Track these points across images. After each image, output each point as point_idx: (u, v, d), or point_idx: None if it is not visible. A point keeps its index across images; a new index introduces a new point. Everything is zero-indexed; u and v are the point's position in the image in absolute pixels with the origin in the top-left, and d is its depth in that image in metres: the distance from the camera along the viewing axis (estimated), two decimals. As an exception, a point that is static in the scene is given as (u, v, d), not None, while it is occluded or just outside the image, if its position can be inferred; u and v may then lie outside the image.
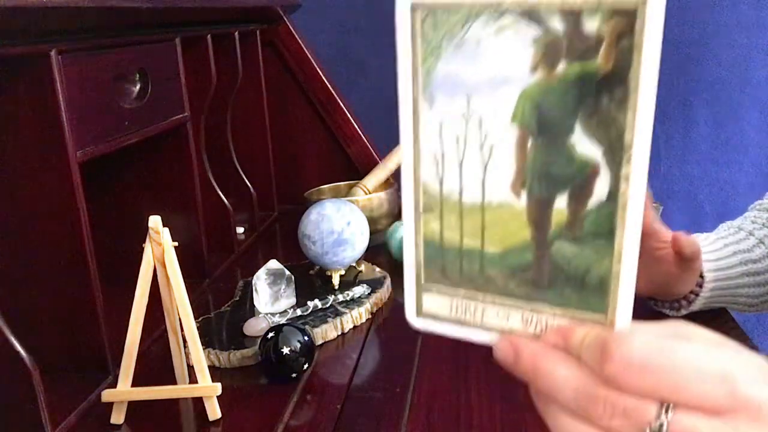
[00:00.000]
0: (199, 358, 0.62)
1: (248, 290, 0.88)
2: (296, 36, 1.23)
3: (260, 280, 0.82)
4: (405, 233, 0.37)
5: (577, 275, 0.33)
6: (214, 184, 1.02)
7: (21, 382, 0.57)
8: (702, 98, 1.59)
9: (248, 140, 1.21)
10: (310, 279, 0.93)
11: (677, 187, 1.65)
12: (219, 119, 1.09)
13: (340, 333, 0.80)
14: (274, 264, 0.84)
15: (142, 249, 0.61)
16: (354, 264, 0.93)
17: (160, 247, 0.61)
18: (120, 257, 0.84)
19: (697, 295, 0.73)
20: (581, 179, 0.31)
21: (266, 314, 0.80)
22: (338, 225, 0.87)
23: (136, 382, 0.63)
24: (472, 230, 0.35)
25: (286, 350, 0.68)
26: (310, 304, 0.82)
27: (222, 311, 0.84)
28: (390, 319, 0.84)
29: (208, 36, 0.97)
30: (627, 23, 0.28)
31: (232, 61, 1.07)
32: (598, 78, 0.30)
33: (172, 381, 0.67)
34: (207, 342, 0.75)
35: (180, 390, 0.66)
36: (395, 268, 0.94)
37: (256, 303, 0.83)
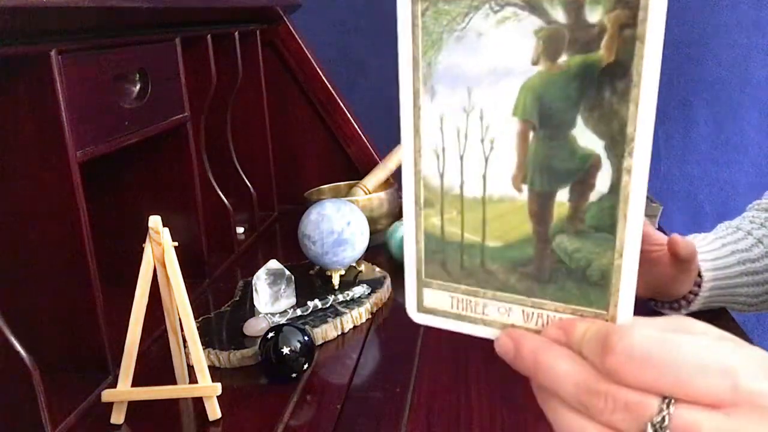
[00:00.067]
0: (199, 358, 0.62)
1: (248, 290, 0.88)
2: (296, 36, 1.23)
3: (260, 280, 0.82)
4: (405, 228, 0.37)
5: (578, 269, 0.33)
6: (214, 184, 1.02)
7: (21, 382, 0.57)
8: (702, 98, 1.59)
9: (248, 140, 1.21)
10: (310, 279, 0.93)
11: (677, 187, 1.65)
12: (219, 119, 1.09)
13: (340, 333, 0.80)
14: (274, 264, 0.84)
15: (142, 249, 0.61)
16: (354, 264, 0.93)
17: (160, 247, 0.61)
18: (120, 257, 0.84)
19: (696, 294, 0.74)
20: (583, 172, 0.31)
21: (266, 314, 0.80)
22: (338, 225, 0.87)
23: (136, 382, 0.63)
24: (473, 224, 0.35)
25: (286, 350, 0.68)
26: (310, 304, 0.82)
27: (222, 311, 0.84)
28: (390, 319, 0.84)
29: (208, 36, 0.97)
30: (629, 14, 0.28)
31: (232, 61, 1.07)
32: (600, 70, 0.29)
33: (172, 381, 0.67)
34: (207, 342, 0.75)
35: (180, 390, 0.66)
36: (395, 268, 0.94)
37: (256, 303, 0.83)
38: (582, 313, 0.33)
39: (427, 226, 0.36)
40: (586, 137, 0.31)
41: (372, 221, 1.00)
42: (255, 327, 0.77)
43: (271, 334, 0.69)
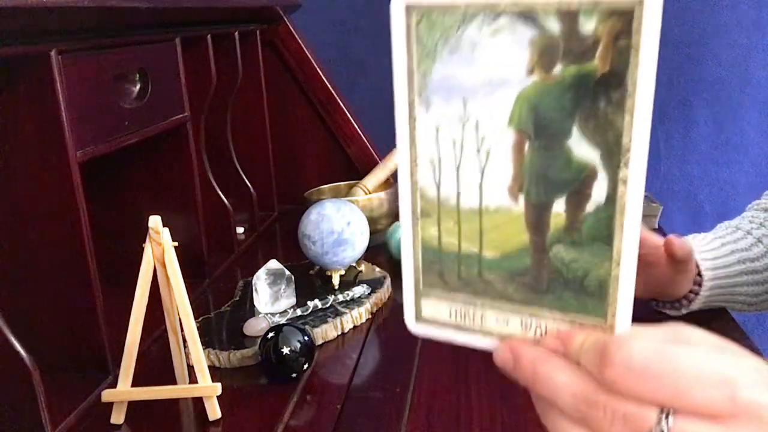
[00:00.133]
0: (199, 358, 0.62)
1: (248, 290, 0.88)
2: (296, 36, 1.23)
3: (260, 280, 0.82)
4: (403, 238, 0.37)
5: (575, 279, 0.33)
6: (214, 184, 1.02)
7: (21, 382, 0.57)
8: (702, 98, 1.59)
9: (248, 140, 1.21)
10: (310, 279, 0.93)
11: (677, 187, 1.65)
12: (219, 119, 1.09)
13: (340, 333, 0.80)
14: (274, 264, 0.84)
15: (142, 249, 0.61)
16: (354, 264, 0.93)
17: (160, 247, 0.61)
18: (120, 257, 0.84)
19: (696, 294, 0.74)
20: (579, 183, 0.31)
21: (266, 314, 0.80)
22: (338, 225, 0.87)
23: (136, 382, 0.63)
24: (470, 235, 0.35)
25: (286, 350, 0.68)
26: (310, 304, 0.82)
27: (222, 311, 0.84)
28: (390, 319, 0.84)
29: (208, 36, 0.97)
30: (624, 24, 0.28)
31: (232, 61, 1.07)
32: (595, 80, 0.29)
33: (172, 381, 0.67)
34: (207, 342, 0.75)
35: (180, 390, 0.66)
36: (395, 268, 0.94)
37: (256, 303, 0.83)
38: (580, 323, 0.33)
39: (424, 236, 0.36)
40: (581, 147, 0.31)
41: (372, 221, 1.00)
42: (255, 327, 0.77)
43: (271, 334, 0.69)
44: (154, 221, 0.60)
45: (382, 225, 1.07)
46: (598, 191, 0.31)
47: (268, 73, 1.21)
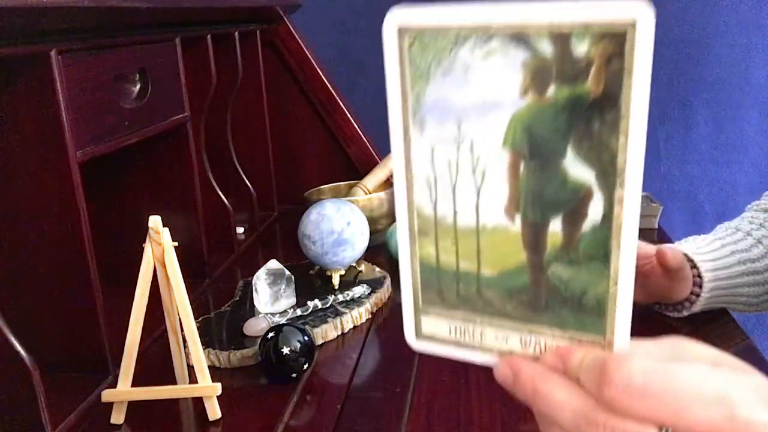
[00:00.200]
0: (199, 358, 0.62)
1: (248, 290, 0.88)
2: (296, 36, 1.23)
3: (260, 280, 0.82)
4: (400, 257, 0.37)
5: (573, 297, 0.33)
6: (214, 184, 1.02)
7: (21, 382, 0.57)
8: (702, 98, 1.59)
9: (248, 140, 1.21)
10: (310, 279, 0.93)
11: (677, 187, 1.65)
12: (219, 119, 1.09)
13: (340, 333, 0.80)
14: (274, 264, 0.84)
15: (142, 249, 0.61)
16: (354, 264, 0.93)
17: (160, 247, 0.61)
18: (120, 257, 0.84)
19: (698, 296, 0.74)
20: (575, 203, 0.31)
21: (266, 314, 0.80)
22: (338, 225, 0.87)
23: (136, 382, 0.63)
24: (467, 253, 0.35)
25: (286, 350, 0.68)
26: (310, 304, 0.82)
27: (222, 311, 0.84)
28: (390, 319, 0.84)
29: (208, 36, 0.97)
30: (617, 46, 0.28)
31: (232, 61, 1.07)
32: (588, 102, 0.29)
33: (172, 381, 0.67)
34: (207, 342, 0.75)
35: (180, 390, 0.66)
36: (395, 268, 0.94)
37: (256, 303, 0.83)
38: (579, 340, 0.33)
39: (422, 254, 0.36)
40: (576, 168, 0.31)
41: (372, 221, 1.00)
42: (255, 327, 0.77)
43: (271, 334, 0.69)
44: (154, 221, 0.60)
45: (382, 225, 1.07)
46: (594, 211, 0.31)
47: (268, 73, 1.21)
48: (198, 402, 0.65)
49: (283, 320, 0.78)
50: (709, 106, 1.60)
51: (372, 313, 0.84)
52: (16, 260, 0.67)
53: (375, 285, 0.89)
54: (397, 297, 0.89)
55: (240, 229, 1.14)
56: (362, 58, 1.61)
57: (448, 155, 0.33)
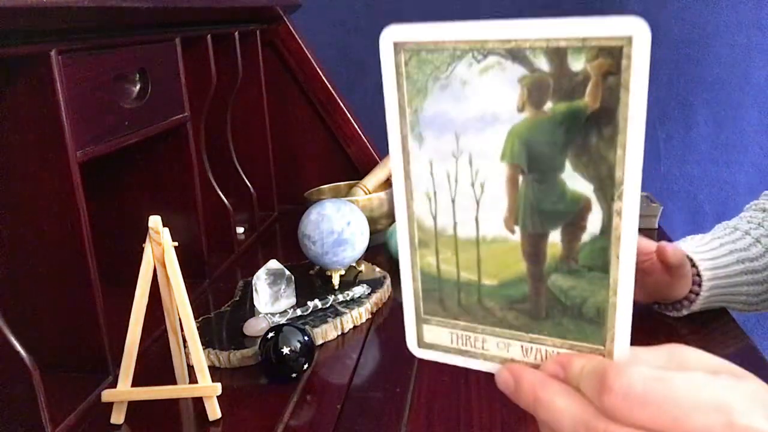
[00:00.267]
0: (199, 358, 0.62)
1: (248, 290, 0.88)
2: (296, 36, 1.23)
3: (260, 280, 0.82)
4: (402, 266, 0.37)
5: (573, 307, 0.33)
6: (214, 184, 1.02)
7: (21, 382, 0.57)
8: (702, 98, 1.59)
9: (248, 140, 1.21)
10: (310, 279, 0.93)
11: (677, 187, 1.65)
12: (219, 119, 1.09)
13: (340, 333, 0.80)
14: (274, 264, 0.84)
15: (142, 249, 0.61)
16: (354, 264, 0.93)
17: (160, 247, 0.61)
18: (120, 257, 0.84)
19: (697, 294, 0.74)
20: (574, 214, 0.32)
21: (266, 314, 0.80)
22: (338, 225, 0.87)
23: (136, 382, 0.63)
24: (468, 263, 0.35)
25: (286, 350, 0.68)
26: (310, 304, 0.82)
27: (222, 311, 0.84)
28: (390, 319, 0.84)
29: (208, 36, 0.97)
30: (612, 61, 0.28)
31: (232, 61, 1.07)
32: (586, 116, 0.30)
33: (172, 381, 0.67)
34: (207, 342, 0.75)
35: (180, 390, 0.66)
36: (395, 268, 0.94)
37: (256, 303, 0.83)
38: (579, 348, 0.34)
39: (422, 265, 0.36)
40: (575, 181, 0.31)
41: (372, 221, 1.00)
42: (255, 327, 0.77)
43: (271, 334, 0.69)
44: (154, 221, 0.60)
45: (382, 225, 1.07)
46: (593, 222, 0.31)
47: (268, 73, 1.21)
48: (198, 402, 0.65)
49: (283, 320, 0.78)
50: (709, 106, 1.60)
51: (372, 313, 0.84)
52: (16, 260, 0.67)
53: (375, 285, 0.89)
54: (398, 297, 0.89)
55: (240, 229, 1.14)
56: (362, 58, 1.61)
57: (447, 168, 0.34)
